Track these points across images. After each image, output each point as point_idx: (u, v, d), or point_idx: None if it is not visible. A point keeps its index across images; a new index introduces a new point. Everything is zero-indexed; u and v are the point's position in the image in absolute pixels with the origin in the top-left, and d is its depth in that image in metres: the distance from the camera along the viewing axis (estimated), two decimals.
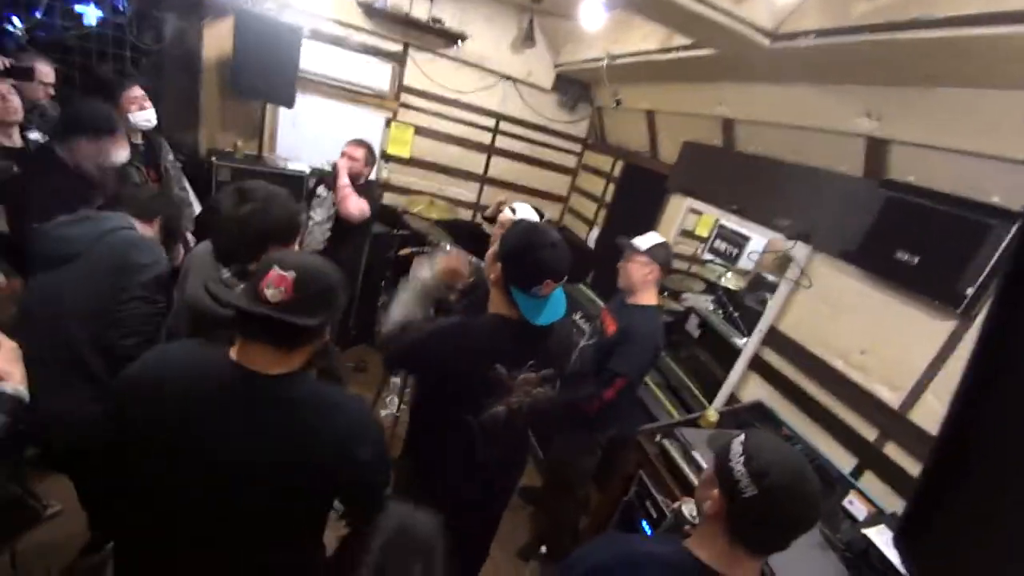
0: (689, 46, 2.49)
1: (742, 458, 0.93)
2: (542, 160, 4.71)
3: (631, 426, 2.20)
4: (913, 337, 1.83)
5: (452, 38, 3.87)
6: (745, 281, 3.27)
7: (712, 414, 2.19)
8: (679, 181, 3.29)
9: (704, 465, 1.79)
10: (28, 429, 1.00)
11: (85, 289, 1.49)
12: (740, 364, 2.53)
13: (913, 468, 1.76)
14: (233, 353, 1.00)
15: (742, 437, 0.98)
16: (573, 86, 4.39)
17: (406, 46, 3.93)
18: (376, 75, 3.96)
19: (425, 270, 1.61)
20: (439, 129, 4.29)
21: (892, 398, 1.87)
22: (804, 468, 0.93)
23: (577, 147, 4.77)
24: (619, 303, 2.27)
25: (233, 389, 0.97)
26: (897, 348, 1.88)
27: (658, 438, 2.04)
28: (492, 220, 2.23)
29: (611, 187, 4.30)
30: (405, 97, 4.11)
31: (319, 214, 3.00)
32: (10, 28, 2.63)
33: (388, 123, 4.13)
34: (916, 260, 1.78)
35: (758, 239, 3.39)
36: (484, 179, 4.60)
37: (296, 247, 1.47)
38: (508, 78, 4.26)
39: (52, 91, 2.46)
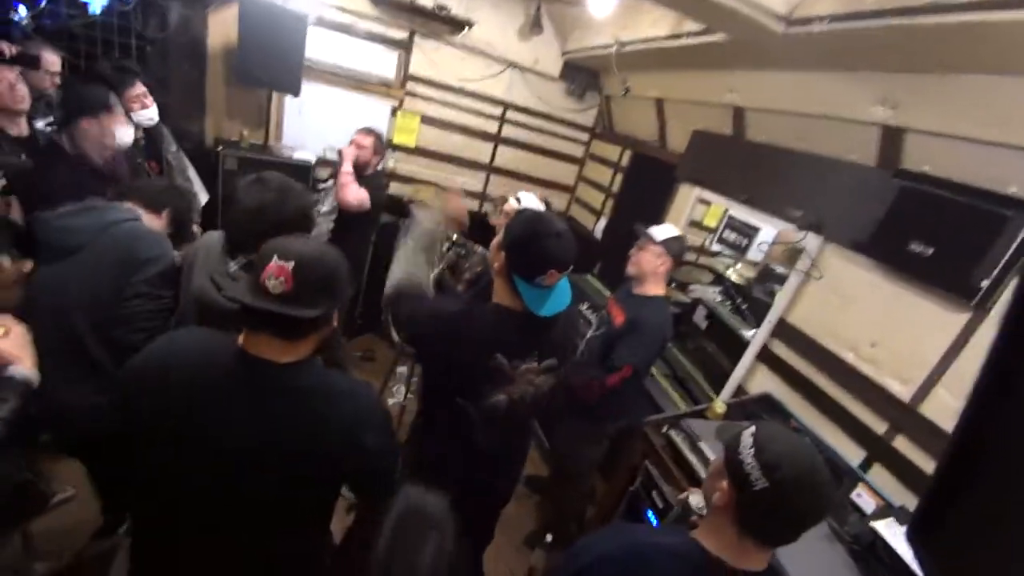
0: (700, 32, 2.44)
1: (752, 450, 0.92)
2: (549, 149, 4.67)
3: (637, 416, 2.19)
4: (925, 330, 1.80)
5: (458, 25, 3.82)
6: (754, 272, 3.24)
7: (719, 406, 2.18)
8: (688, 170, 3.25)
9: (711, 456, 1.78)
10: (39, 413, 1.00)
11: (89, 282, 1.47)
12: (748, 356, 2.51)
13: (923, 461, 1.75)
14: (241, 341, 1.00)
15: (752, 429, 0.97)
16: (581, 74, 4.33)
17: (412, 33, 3.89)
18: (382, 63, 3.93)
19: (426, 218, 1.59)
20: (445, 118, 4.26)
21: (903, 391, 1.85)
22: (815, 461, 0.92)
23: (584, 136, 4.72)
24: (626, 293, 2.26)
25: (239, 377, 0.97)
26: (908, 341, 1.86)
27: (665, 429, 2.03)
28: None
29: (619, 177, 4.26)
30: (411, 85, 4.07)
31: (327, 204, 3.00)
32: (16, 17, 2.63)
33: (394, 112, 4.11)
34: (930, 251, 1.74)
35: (768, 230, 3.36)
36: (490, 168, 4.57)
37: None
38: (515, 66, 4.21)
39: (58, 80, 2.46)
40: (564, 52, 4.19)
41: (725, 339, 2.95)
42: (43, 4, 2.75)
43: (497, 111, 4.38)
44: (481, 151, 4.49)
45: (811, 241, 2.25)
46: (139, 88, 2.44)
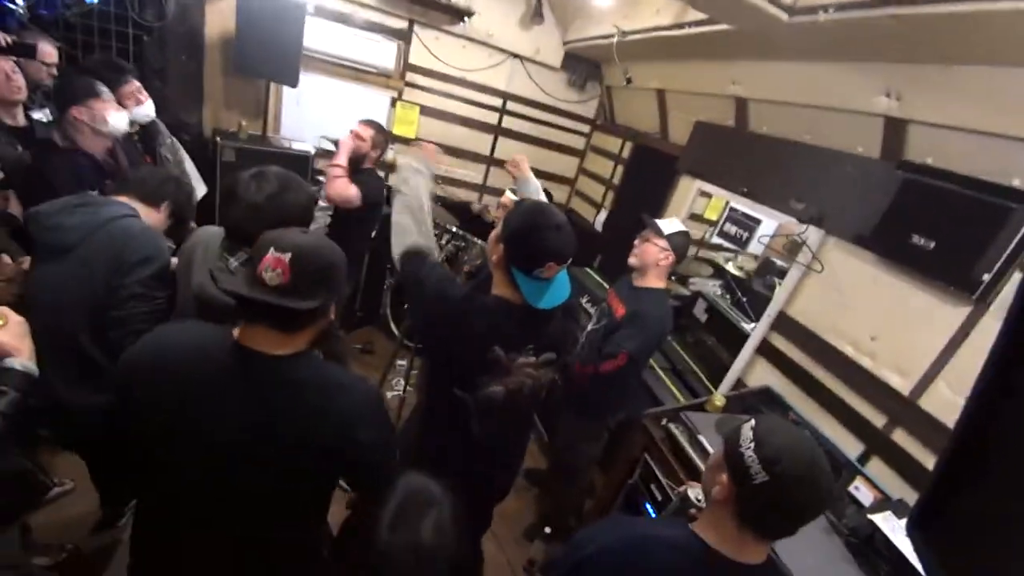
0: (703, 21, 2.42)
1: (752, 444, 0.91)
2: (550, 141, 4.64)
3: (636, 409, 2.19)
4: (925, 323, 1.80)
5: (458, 14, 3.78)
6: (755, 265, 3.23)
7: (718, 398, 2.18)
8: (689, 162, 3.23)
9: (710, 449, 1.79)
10: (38, 405, 1.00)
11: (84, 282, 1.44)
12: (747, 349, 2.51)
13: (921, 455, 1.75)
14: (237, 334, 0.99)
15: (752, 422, 0.96)
16: (582, 64, 4.29)
17: (411, 23, 3.85)
18: (381, 53, 3.89)
19: (416, 176, 1.60)
20: (445, 109, 4.23)
21: (902, 384, 1.85)
22: (815, 454, 0.92)
23: (585, 128, 4.69)
24: (626, 285, 2.25)
25: (234, 370, 0.96)
26: (909, 334, 1.85)
27: (664, 422, 2.03)
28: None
29: (620, 169, 4.24)
30: (411, 76, 4.03)
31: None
32: (11, 5, 2.60)
33: (393, 103, 4.07)
34: (932, 244, 1.74)
35: (769, 223, 3.34)
36: (491, 160, 4.55)
37: None
38: (515, 56, 4.17)
39: (55, 71, 2.44)
40: (565, 42, 4.15)
41: (725, 332, 2.94)
42: None
43: (497, 102, 4.35)
44: (481, 143, 4.47)
45: (812, 234, 2.24)
46: (133, 84, 2.41)
